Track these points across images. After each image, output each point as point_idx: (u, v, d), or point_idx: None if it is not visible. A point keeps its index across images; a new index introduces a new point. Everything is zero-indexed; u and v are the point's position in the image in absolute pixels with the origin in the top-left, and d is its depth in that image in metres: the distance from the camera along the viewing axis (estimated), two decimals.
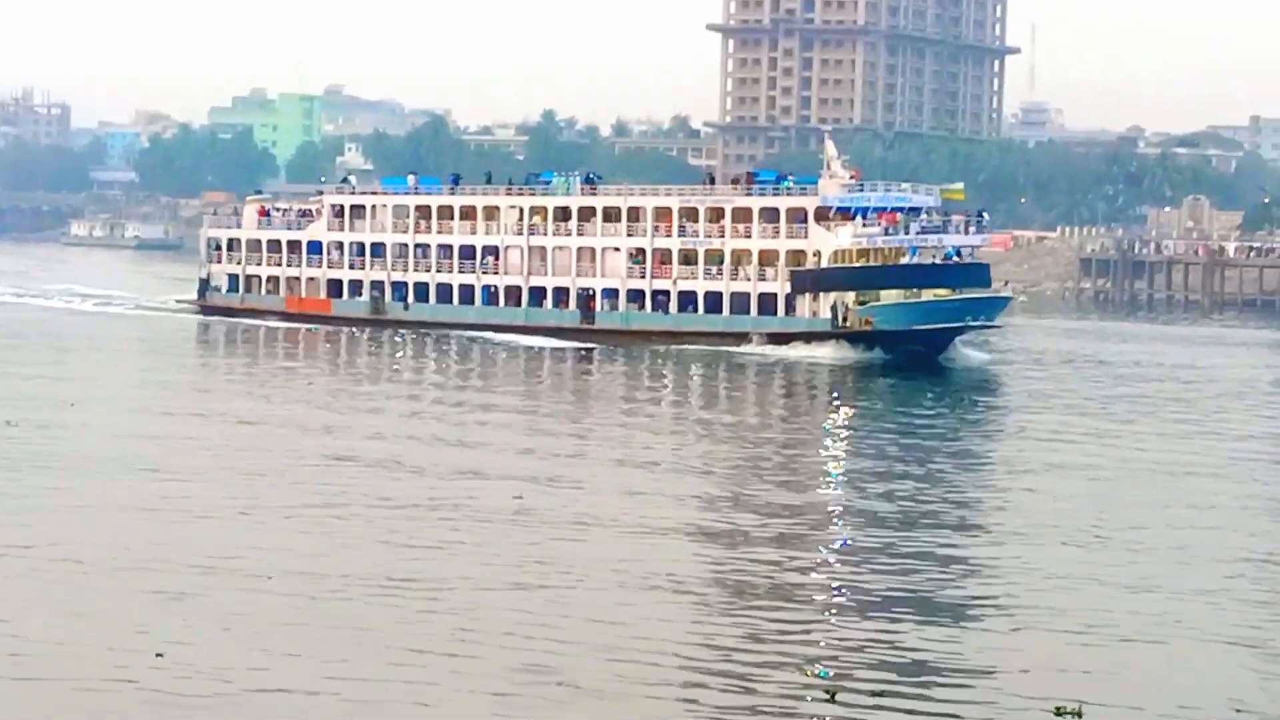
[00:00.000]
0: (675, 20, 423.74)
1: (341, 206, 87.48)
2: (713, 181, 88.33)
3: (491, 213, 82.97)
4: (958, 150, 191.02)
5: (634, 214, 79.21)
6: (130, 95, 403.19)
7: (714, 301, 76.40)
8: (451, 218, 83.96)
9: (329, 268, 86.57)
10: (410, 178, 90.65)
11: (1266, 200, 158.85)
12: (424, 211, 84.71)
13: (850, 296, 73.25)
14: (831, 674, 24.04)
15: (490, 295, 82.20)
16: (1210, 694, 23.75)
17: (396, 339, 78.87)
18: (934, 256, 74.95)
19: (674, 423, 52.12)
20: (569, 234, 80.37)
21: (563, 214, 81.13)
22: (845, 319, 72.75)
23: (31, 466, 39.44)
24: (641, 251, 78.49)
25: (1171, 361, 75.47)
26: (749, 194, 77.87)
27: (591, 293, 79.38)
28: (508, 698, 22.94)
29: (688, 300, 77.04)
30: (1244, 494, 40.50)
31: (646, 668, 24.24)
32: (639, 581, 29.42)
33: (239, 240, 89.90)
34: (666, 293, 77.62)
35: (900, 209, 75.99)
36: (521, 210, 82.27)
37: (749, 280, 75.61)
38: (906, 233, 74.46)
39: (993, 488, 41.52)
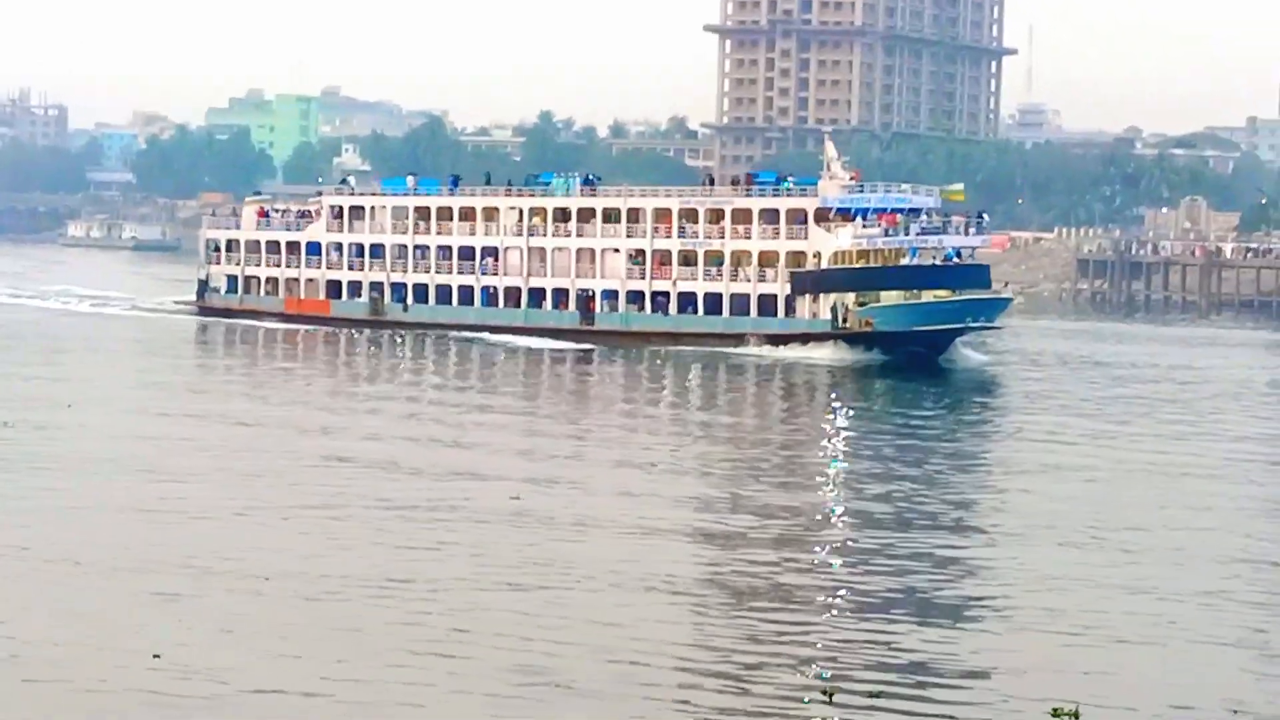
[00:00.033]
0: (672, 21, 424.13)
1: (341, 208, 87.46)
2: (712, 183, 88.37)
3: (491, 214, 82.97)
4: (955, 151, 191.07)
5: (633, 215, 79.21)
6: (127, 96, 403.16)
7: (714, 303, 76.39)
8: (451, 219, 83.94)
9: (328, 269, 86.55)
10: (409, 179, 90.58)
11: (1264, 201, 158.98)
12: (423, 212, 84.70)
13: (850, 298, 73.24)
14: (829, 675, 24.06)
15: (489, 296, 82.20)
16: (1207, 695, 23.78)
17: (396, 340, 78.84)
18: (934, 258, 74.93)
19: (673, 424, 52.16)
20: (568, 235, 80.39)
21: (562, 215, 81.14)
22: (845, 320, 72.75)
23: (29, 468, 39.42)
24: (641, 253, 78.49)
25: (1168, 362, 75.51)
26: (749, 195, 77.87)
27: (591, 294, 79.37)
28: (505, 699, 22.94)
29: (687, 301, 77.04)
30: (1240, 495, 40.56)
31: (644, 669, 24.27)
32: (636, 582, 29.43)
33: (238, 241, 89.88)
34: (666, 294, 77.62)
35: (900, 210, 75.96)
36: (521, 211, 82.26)
37: (749, 281, 75.63)
38: (906, 234, 74.44)
39: (990, 489, 41.57)
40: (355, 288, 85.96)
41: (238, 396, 57.70)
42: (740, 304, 75.67)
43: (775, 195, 77.01)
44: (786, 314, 74.63)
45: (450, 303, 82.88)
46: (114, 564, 30.03)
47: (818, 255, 74.28)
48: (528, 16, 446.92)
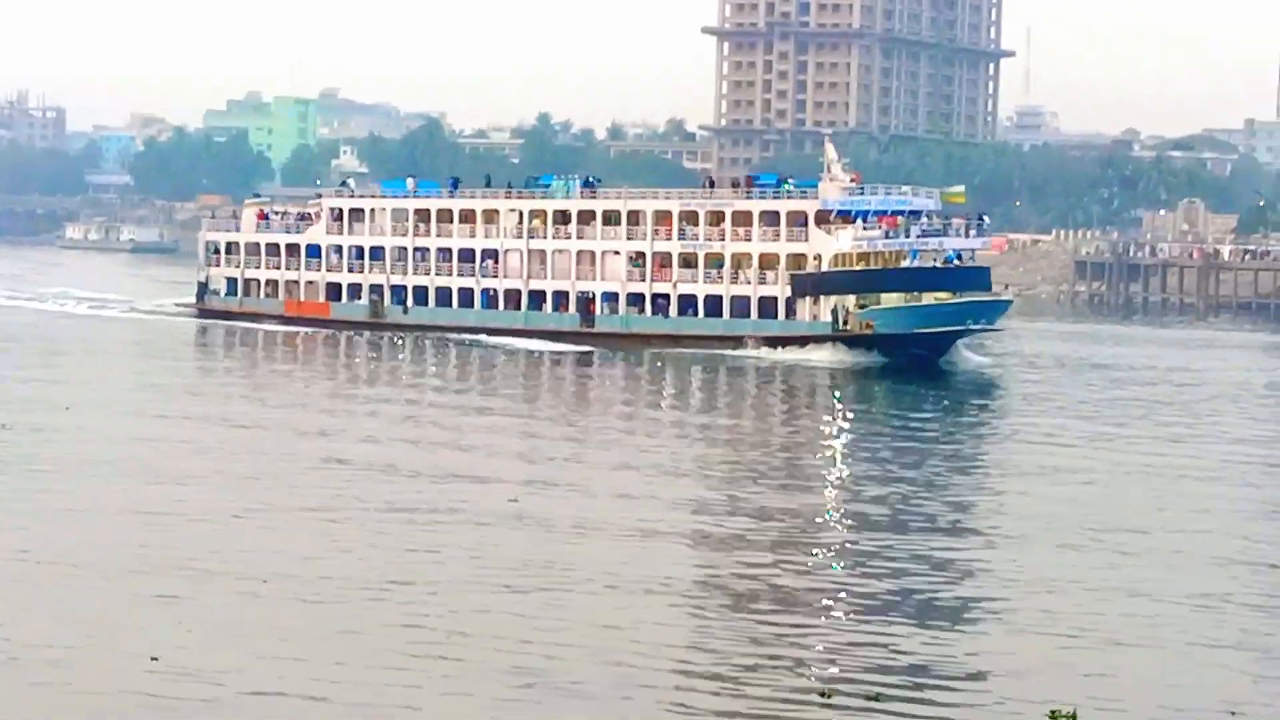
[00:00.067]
0: (670, 23, 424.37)
1: (340, 210, 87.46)
2: (713, 185, 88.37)
3: (491, 216, 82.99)
4: (953, 153, 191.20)
5: (634, 217, 79.21)
6: (125, 99, 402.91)
7: (714, 305, 76.36)
8: (451, 221, 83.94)
9: (328, 271, 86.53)
10: (409, 181, 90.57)
11: (1261, 203, 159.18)
12: (423, 215, 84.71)
13: (851, 300, 73.20)
14: (828, 677, 24.06)
15: (489, 299, 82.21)
16: (1205, 696, 23.83)
17: (396, 343, 78.81)
18: (934, 260, 74.90)
19: (672, 426, 52.10)
20: (569, 237, 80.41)
21: (562, 217, 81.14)
22: (846, 322, 72.75)
23: (27, 470, 39.42)
24: (641, 255, 78.48)
25: (1166, 364, 75.50)
26: (749, 197, 77.85)
27: (591, 296, 79.38)
28: (503, 701, 22.96)
29: (688, 304, 77.02)
30: (1238, 497, 40.60)
31: (642, 671, 24.28)
32: (635, 585, 29.44)
33: (238, 244, 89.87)
34: (666, 296, 77.60)
35: (900, 212, 75.89)
36: (521, 214, 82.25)
37: (749, 284, 75.64)
38: (907, 236, 74.41)
39: (988, 491, 41.59)
40: (355, 290, 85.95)
41: (237, 399, 57.70)
42: (741, 306, 75.66)
43: (775, 197, 76.96)
44: (787, 316, 74.61)
45: (450, 305, 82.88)
46: (112, 566, 30.05)
47: (818, 257, 74.27)
48: (526, 19, 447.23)
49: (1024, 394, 63.46)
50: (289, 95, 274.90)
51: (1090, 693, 23.40)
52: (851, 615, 27.85)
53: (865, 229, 73.79)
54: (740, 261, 76.26)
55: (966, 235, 77.70)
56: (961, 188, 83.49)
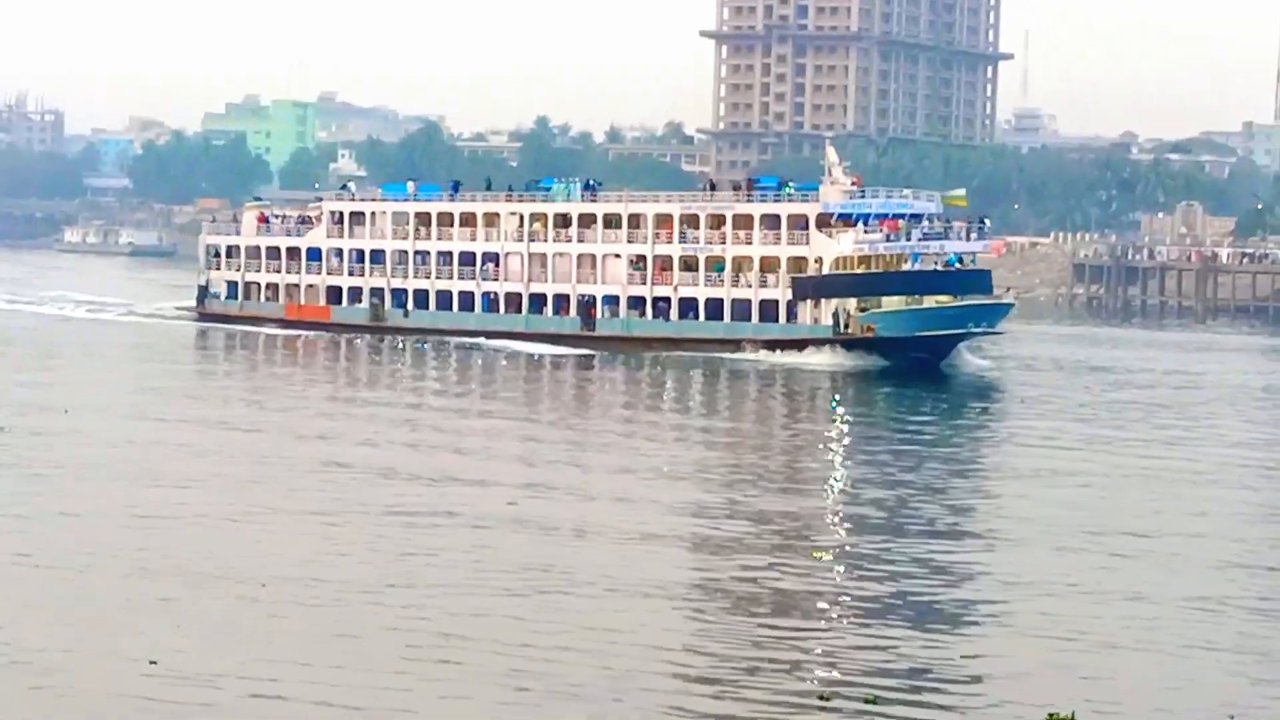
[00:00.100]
0: (668, 27, 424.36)
1: (341, 213, 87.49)
2: (714, 188, 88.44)
3: (491, 219, 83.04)
4: (951, 156, 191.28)
5: (635, 221, 79.24)
6: (124, 102, 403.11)
7: (715, 308, 76.38)
8: (451, 224, 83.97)
9: (328, 274, 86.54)
10: (410, 184, 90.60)
11: (1259, 206, 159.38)
12: (424, 218, 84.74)
13: (852, 303, 73.20)
14: (826, 680, 24.11)
15: (490, 302, 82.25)
16: (1203, 699, 23.85)
17: (396, 346, 78.86)
18: (936, 263, 75.00)
19: (672, 430, 52.07)
20: (569, 240, 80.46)
21: (563, 221, 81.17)
22: (847, 326, 72.82)
23: (26, 474, 39.43)
24: (642, 258, 78.51)
25: (1164, 367, 75.51)
26: (750, 200, 77.91)
27: (592, 299, 79.43)
28: (502, 704, 22.98)
29: (689, 307, 77.04)
30: (1236, 500, 40.63)
31: (640, 674, 24.30)
32: (634, 588, 29.44)
33: (238, 247, 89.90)
34: (667, 299, 77.60)
35: (902, 215, 75.97)
36: (522, 217, 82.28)
37: (750, 287, 75.69)
38: (908, 239, 74.49)
39: (986, 494, 41.62)
40: (356, 293, 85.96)
41: (236, 402, 57.73)
42: (742, 309, 75.68)
43: (777, 201, 76.96)
44: (788, 320, 74.61)
45: (451, 308, 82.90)
46: (110, 569, 30.05)
47: (819, 261, 74.31)
48: (524, 21, 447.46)
49: (1022, 397, 63.50)
50: (287, 98, 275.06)
51: (1088, 695, 23.41)
52: (850, 618, 27.90)
53: (866, 232, 73.85)
54: (741, 265, 76.31)
55: (968, 238, 77.83)
56: (962, 191, 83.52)
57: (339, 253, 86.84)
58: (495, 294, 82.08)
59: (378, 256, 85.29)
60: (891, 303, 73.39)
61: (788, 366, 71.08)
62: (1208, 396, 64.14)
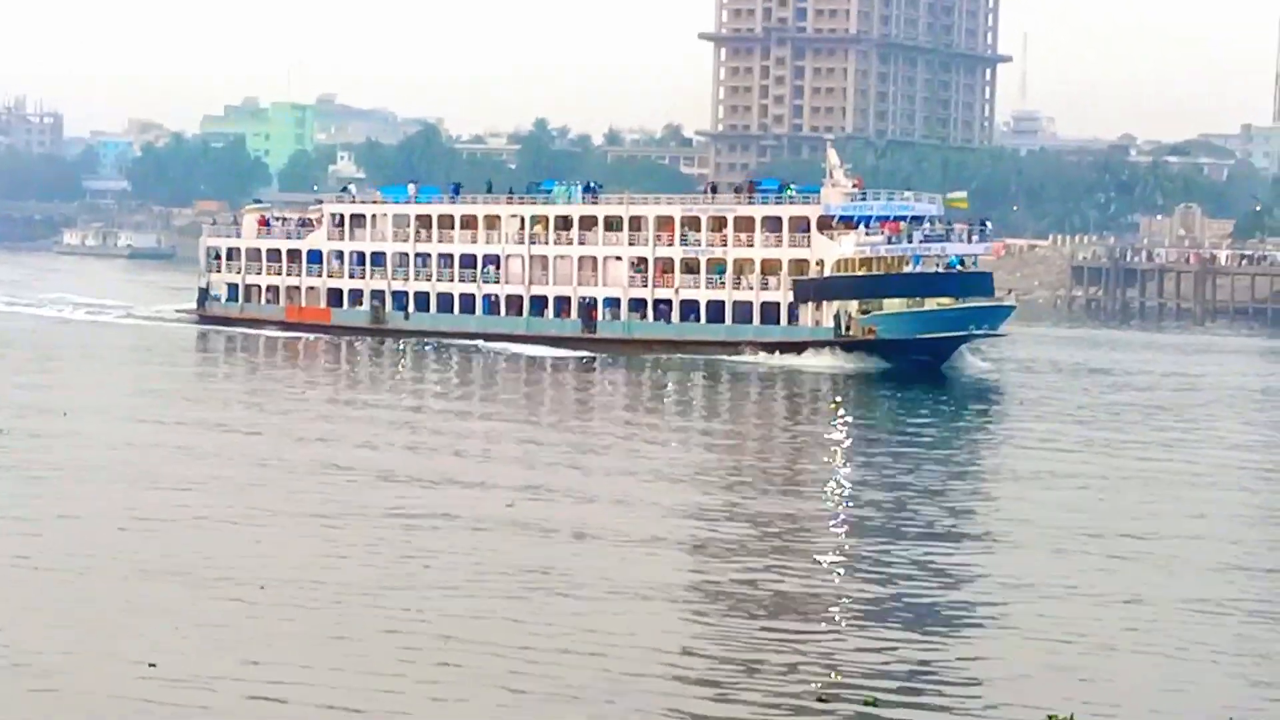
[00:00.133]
0: (667, 29, 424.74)
1: (342, 216, 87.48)
2: (715, 190, 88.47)
3: (492, 222, 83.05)
4: (949, 159, 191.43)
5: (636, 223, 79.23)
6: (123, 104, 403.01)
7: (716, 311, 76.36)
8: (452, 227, 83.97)
9: (329, 277, 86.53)
10: (410, 186, 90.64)
11: (1258, 208, 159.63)
12: (424, 221, 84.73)
13: (853, 305, 73.21)
14: (825, 682, 24.12)
15: (491, 305, 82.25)
16: (1202, 701, 23.87)
17: (397, 349, 78.84)
18: (937, 265, 75.02)
19: (673, 432, 52.02)
20: (570, 243, 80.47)
21: (564, 223, 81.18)
22: (848, 328, 72.84)
23: (24, 476, 39.41)
24: (644, 261, 78.51)
25: (1163, 369, 75.55)
26: (751, 203, 77.92)
27: (593, 302, 79.44)
28: (499, 706, 22.99)
29: (690, 310, 77.03)
30: (1234, 502, 40.65)
31: (639, 676, 24.30)
32: (631, 590, 29.43)
33: (239, 249, 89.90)
34: (669, 302, 77.60)
35: (903, 218, 76.00)
36: (523, 219, 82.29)
37: (752, 290, 75.69)
38: (909, 241, 74.51)
39: (984, 496, 41.62)
40: (356, 296, 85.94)
41: (236, 404, 57.70)
42: (743, 312, 75.68)
43: (778, 203, 76.96)
44: (789, 322, 74.64)
45: (452, 311, 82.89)
46: (109, 572, 30.04)
47: (820, 263, 74.32)
48: (522, 23, 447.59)
49: (1021, 399, 63.52)
50: (286, 101, 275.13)
51: (1087, 697, 23.42)
52: (849, 620, 27.92)
53: (868, 234, 73.89)
54: (743, 267, 76.33)
55: (969, 240, 77.87)
56: (964, 193, 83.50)
57: (340, 255, 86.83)
58: (496, 296, 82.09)
59: (378, 259, 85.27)
60: (893, 305, 73.42)
61: (788, 369, 71.09)
62: (1206, 398, 64.18)
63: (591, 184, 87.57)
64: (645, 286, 78.19)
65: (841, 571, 31.57)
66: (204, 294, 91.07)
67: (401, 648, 25.44)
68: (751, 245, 76.01)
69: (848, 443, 50.19)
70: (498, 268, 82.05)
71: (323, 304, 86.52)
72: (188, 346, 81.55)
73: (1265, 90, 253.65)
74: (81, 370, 66.86)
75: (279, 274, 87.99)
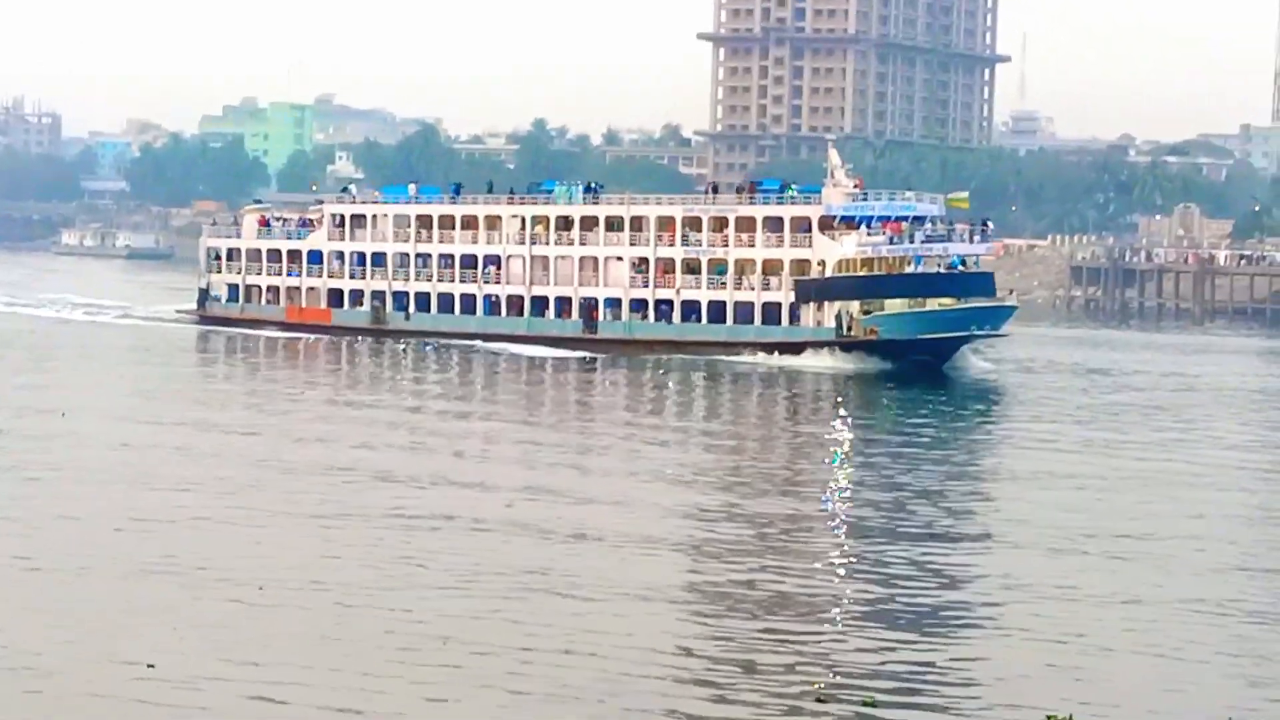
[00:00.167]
0: (666, 29, 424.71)
1: (342, 216, 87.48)
2: (716, 191, 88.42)
3: (493, 222, 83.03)
4: (948, 159, 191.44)
5: (637, 223, 79.20)
6: (121, 104, 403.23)
7: (718, 311, 76.32)
8: (453, 227, 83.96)
9: (330, 277, 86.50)
10: (411, 187, 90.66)
11: (1257, 208, 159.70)
12: (425, 221, 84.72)
13: (855, 306, 73.17)
14: (824, 683, 24.11)
15: (492, 305, 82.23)
16: (1201, 702, 23.89)
17: (399, 349, 78.80)
18: (938, 265, 74.99)
19: (674, 433, 51.99)
20: (571, 243, 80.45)
21: (565, 223, 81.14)
22: (850, 328, 72.83)
23: (22, 477, 39.41)
24: (645, 261, 78.47)
25: (1162, 370, 75.53)
26: (752, 203, 77.90)
27: (594, 302, 79.42)
28: (498, 708, 23.00)
29: (691, 310, 76.99)
30: (1233, 502, 40.67)
31: (637, 678, 24.31)
32: (630, 591, 29.43)
33: (239, 250, 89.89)
34: (670, 302, 77.57)
35: (904, 218, 75.94)
36: (523, 220, 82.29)
37: (753, 290, 75.68)
38: (911, 242, 74.46)
39: (983, 497, 41.65)
40: (357, 296, 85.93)
41: (236, 405, 57.64)
42: (744, 312, 75.65)
43: (779, 203, 76.93)
44: (791, 322, 74.61)
45: (453, 311, 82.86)
46: (108, 572, 30.04)
47: (822, 263, 74.27)
48: (521, 24, 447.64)
49: (1020, 399, 63.55)
50: (284, 101, 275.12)
51: (1086, 698, 23.43)
52: (848, 621, 27.93)
53: (869, 234, 73.87)
54: (744, 267, 76.30)
55: (971, 241, 77.84)
56: (965, 193, 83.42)
57: (340, 255, 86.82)
58: (497, 297, 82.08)
59: (379, 259, 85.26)
60: (894, 305, 73.37)
61: (790, 369, 71.08)
62: (1205, 399, 64.21)
63: (592, 184, 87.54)
64: (646, 287, 78.16)
65: (840, 572, 31.59)
66: (204, 294, 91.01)
67: (400, 648, 25.45)
68: (753, 245, 75.98)
69: (848, 443, 50.18)
70: (498, 268, 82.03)
71: (323, 304, 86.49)
72: (187, 347, 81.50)
73: (1264, 90, 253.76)
74: (80, 371, 66.80)
75: (279, 274, 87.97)
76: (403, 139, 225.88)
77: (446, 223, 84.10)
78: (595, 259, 79.58)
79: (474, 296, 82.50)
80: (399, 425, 51.64)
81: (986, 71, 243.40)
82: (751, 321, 75.26)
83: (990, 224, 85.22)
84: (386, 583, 29.58)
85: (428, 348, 78.72)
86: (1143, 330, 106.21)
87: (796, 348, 73.07)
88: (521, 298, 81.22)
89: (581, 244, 79.94)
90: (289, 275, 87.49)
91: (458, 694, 23.54)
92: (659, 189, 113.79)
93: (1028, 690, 24.01)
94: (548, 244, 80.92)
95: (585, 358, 75.20)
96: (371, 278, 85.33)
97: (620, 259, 79.04)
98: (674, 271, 77.54)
